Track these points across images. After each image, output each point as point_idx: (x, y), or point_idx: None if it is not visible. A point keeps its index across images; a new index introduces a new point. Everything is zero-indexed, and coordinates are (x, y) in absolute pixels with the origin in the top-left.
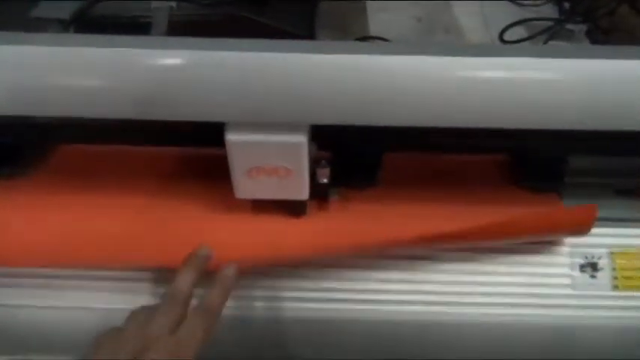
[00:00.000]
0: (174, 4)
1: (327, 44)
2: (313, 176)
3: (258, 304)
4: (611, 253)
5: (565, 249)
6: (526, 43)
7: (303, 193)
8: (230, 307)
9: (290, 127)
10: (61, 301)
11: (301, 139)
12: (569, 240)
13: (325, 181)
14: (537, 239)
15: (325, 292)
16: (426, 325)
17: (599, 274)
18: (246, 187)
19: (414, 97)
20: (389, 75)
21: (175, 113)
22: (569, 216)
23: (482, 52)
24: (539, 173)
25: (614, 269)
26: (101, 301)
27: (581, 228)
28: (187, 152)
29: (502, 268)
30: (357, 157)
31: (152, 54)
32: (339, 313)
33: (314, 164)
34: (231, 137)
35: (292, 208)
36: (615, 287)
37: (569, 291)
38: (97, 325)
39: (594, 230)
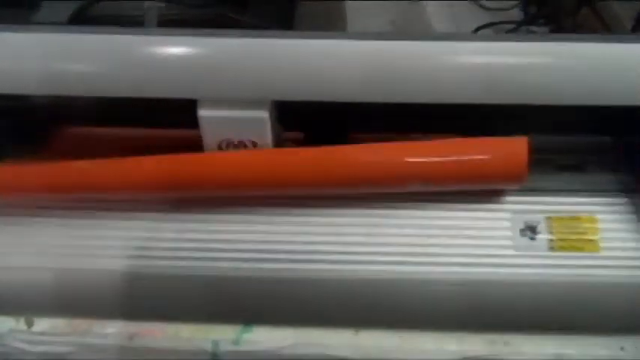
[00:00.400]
0: (163, 5)
1: (281, 33)
2: None
3: (217, 264)
4: (548, 219)
5: (507, 215)
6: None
7: None
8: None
9: (253, 103)
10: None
11: (264, 114)
12: (511, 206)
13: None
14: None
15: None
16: (378, 283)
17: (537, 237)
18: None
19: (362, 76)
20: (335, 56)
21: (157, 91)
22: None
23: (424, 37)
24: None
25: (550, 232)
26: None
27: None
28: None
29: (451, 232)
30: (326, 139)
31: (140, 40)
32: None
33: (281, 144)
34: (202, 113)
35: None
36: (552, 248)
37: (511, 252)
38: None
39: (534, 199)
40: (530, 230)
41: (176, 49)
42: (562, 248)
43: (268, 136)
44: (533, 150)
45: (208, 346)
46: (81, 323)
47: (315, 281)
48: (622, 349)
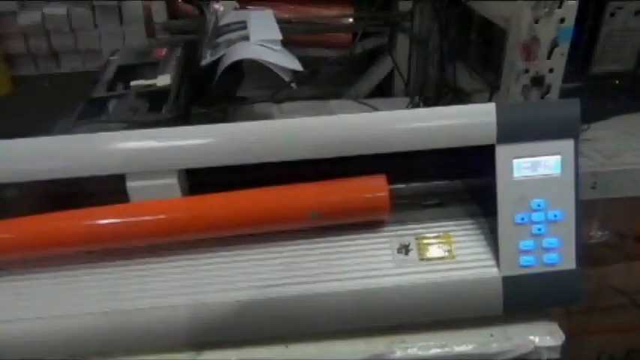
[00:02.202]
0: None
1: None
2: None
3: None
4: (417, 239)
5: (387, 239)
6: None
7: None
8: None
9: (165, 174)
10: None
11: (173, 181)
12: (389, 233)
13: None
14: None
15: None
16: (297, 301)
17: (410, 253)
18: None
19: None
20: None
21: (100, 170)
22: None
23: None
24: None
25: (419, 249)
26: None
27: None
28: None
29: (347, 255)
30: None
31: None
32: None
33: None
34: (130, 184)
35: None
36: (421, 260)
37: (391, 265)
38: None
39: (406, 227)
40: (404, 248)
41: (114, 142)
42: (428, 259)
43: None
44: (404, 196)
45: None
46: None
47: (247, 305)
48: (492, 335)
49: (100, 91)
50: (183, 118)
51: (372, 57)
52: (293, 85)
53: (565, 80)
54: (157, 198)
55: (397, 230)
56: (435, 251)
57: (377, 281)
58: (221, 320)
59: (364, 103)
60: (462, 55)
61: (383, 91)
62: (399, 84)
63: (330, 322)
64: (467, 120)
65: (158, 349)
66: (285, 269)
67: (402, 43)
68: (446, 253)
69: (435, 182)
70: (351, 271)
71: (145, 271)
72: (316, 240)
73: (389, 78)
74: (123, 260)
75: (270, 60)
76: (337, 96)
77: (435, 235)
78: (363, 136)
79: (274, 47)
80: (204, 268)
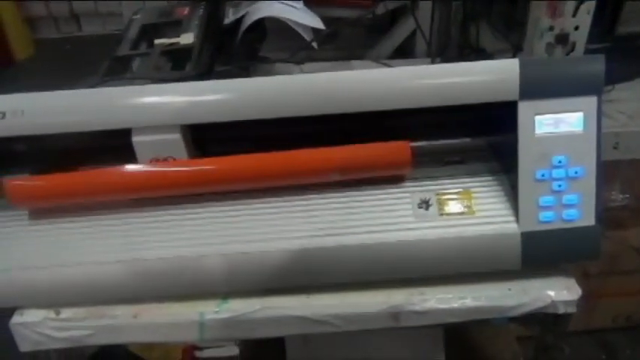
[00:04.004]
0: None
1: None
2: None
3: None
4: (437, 194)
5: (408, 194)
6: None
7: None
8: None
9: (168, 129)
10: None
11: (177, 136)
12: (411, 189)
13: None
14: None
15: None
16: (320, 253)
17: (430, 208)
18: None
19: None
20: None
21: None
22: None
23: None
24: None
25: (439, 204)
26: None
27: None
28: None
29: (370, 209)
30: None
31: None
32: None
33: None
34: (135, 139)
35: None
36: (440, 215)
37: (411, 219)
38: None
39: (427, 183)
40: (425, 204)
41: (123, 97)
42: (448, 214)
43: (184, 154)
44: (425, 153)
45: (196, 317)
46: (97, 309)
47: (270, 256)
48: (509, 289)
49: (124, 50)
50: (206, 75)
51: (394, 17)
52: (314, 44)
53: (590, 41)
54: (161, 153)
55: (418, 186)
56: (454, 207)
57: (397, 235)
58: (244, 270)
59: (386, 64)
60: (485, 14)
61: (405, 53)
62: (420, 45)
63: (351, 273)
64: (489, 76)
65: (185, 297)
66: (307, 222)
67: (425, 2)
68: (465, 209)
69: (457, 139)
70: (372, 224)
71: (172, 222)
72: (339, 195)
73: (410, 40)
74: (149, 212)
75: (292, 18)
76: (359, 57)
77: (456, 190)
78: (384, 92)
79: (296, 6)
80: (228, 220)
